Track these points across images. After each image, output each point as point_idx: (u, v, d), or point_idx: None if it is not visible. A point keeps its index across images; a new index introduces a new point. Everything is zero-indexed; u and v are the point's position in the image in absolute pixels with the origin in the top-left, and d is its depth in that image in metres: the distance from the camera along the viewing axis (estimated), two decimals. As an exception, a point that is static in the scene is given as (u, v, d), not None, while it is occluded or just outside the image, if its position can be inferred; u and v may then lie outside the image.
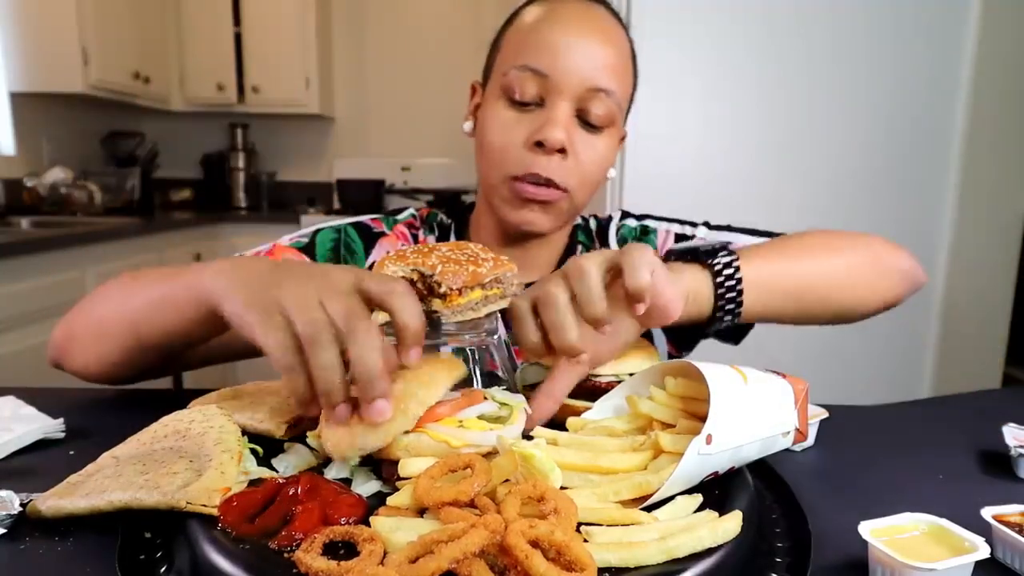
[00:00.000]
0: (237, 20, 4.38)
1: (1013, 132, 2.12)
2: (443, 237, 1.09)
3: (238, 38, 4.40)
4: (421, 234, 1.10)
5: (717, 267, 0.79)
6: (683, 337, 1.06)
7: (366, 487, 0.59)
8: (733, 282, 0.79)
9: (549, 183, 0.91)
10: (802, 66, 2.04)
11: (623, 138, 1.04)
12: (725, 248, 0.81)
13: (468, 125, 1.01)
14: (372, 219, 1.08)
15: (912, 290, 0.96)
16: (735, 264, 0.79)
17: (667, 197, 2.03)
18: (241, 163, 4.66)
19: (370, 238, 1.05)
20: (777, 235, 1.00)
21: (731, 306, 0.79)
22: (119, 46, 3.78)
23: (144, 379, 0.89)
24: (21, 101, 3.56)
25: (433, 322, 0.69)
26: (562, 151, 0.90)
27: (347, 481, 0.61)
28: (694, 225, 1.10)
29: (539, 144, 0.89)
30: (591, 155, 0.93)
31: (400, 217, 1.10)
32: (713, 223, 1.09)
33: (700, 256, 0.80)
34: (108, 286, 0.87)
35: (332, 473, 0.61)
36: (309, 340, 0.56)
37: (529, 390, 0.77)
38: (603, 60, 0.91)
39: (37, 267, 2.65)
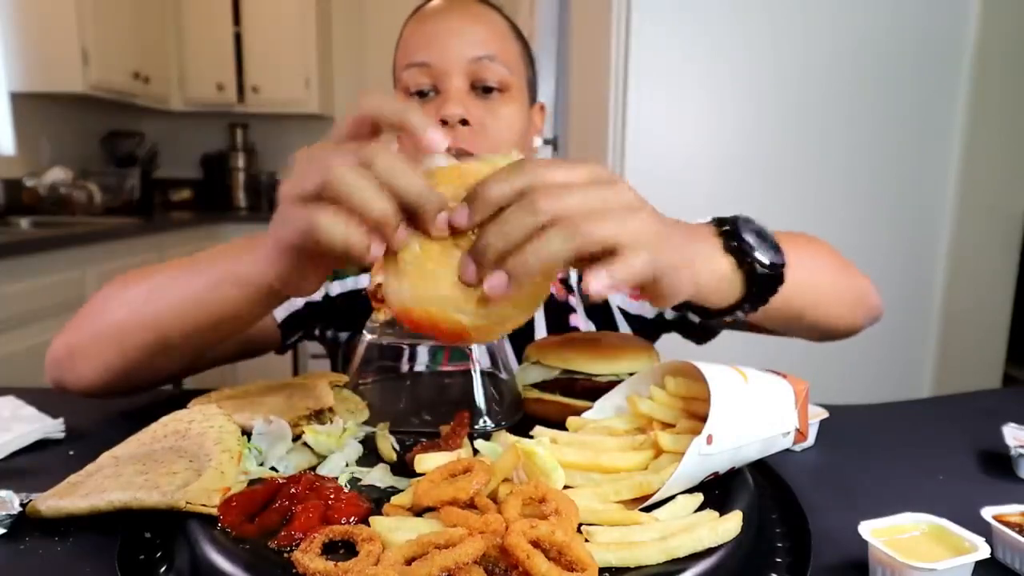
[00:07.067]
0: (237, 20, 4.38)
1: (1013, 131, 2.12)
2: None
3: (238, 38, 4.40)
4: None
5: (761, 262, 0.68)
6: (646, 328, 1.06)
7: (381, 480, 0.60)
8: (773, 282, 0.69)
9: (462, 153, 0.94)
10: (801, 65, 2.04)
11: (543, 108, 1.11)
12: (770, 235, 0.71)
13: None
14: None
15: (871, 324, 0.96)
16: (781, 267, 0.69)
17: (667, 196, 2.02)
18: (241, 163, 4.66)
19: None
20: None
21: (756, 304, 0.71)
22: (119, 46, 3.79)
23: (151, 387, 0.86)
24: (21, 101, 3.56)
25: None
26: (464, 122, 0.95)
27: (351, 479, 0.61)
28: None
29: (443, 123, 0.95)
30: (496, 121, 0.98)
31: None
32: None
33: (744, 239, 0.68)
34: (107, 294, 0.83)
35: (326, 470, 0.61)
36: (334, 179, 0.51)
37: (529, 390, 0.77)
38: (476, 35, 0.98)
39: (37, 267, 2.65)
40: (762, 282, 0.68)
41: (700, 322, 0.76)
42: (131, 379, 0.81)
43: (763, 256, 0.68)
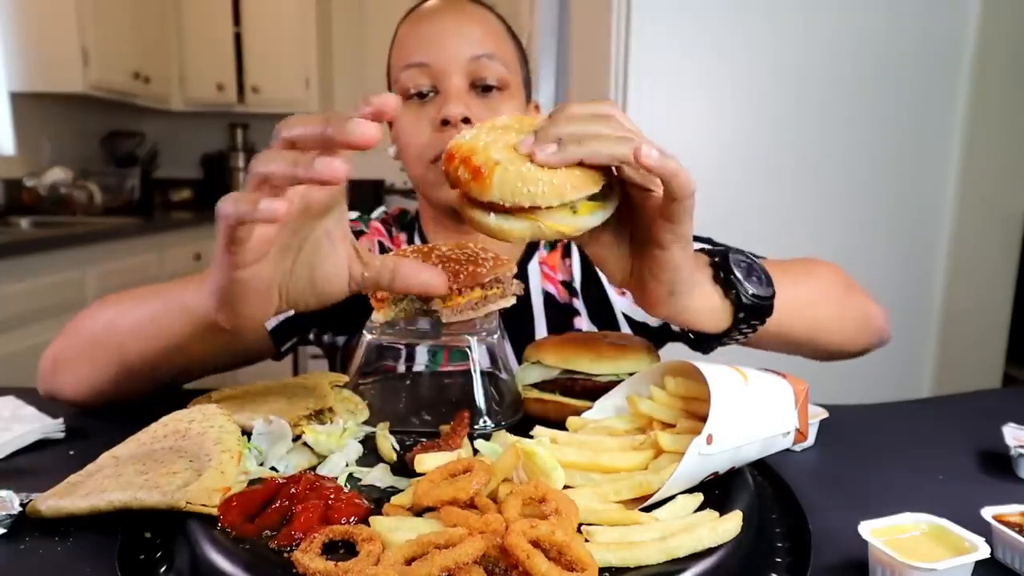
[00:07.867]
0: (237, 20, 4.38)
1: (1013, 131, 2.12)
2: (411, 231, 1.13)
3: (238, 38, 4.40)
4: (394, 231, 1.14)
5: (746, 293, 0.69)
6: (650, 336, 1.06)
7: (381, 480, 0.60)
8: (761, 312, 0.71)
9: None
10: (801, 65, 2.04)
11: (537, 107, 1.12)
12: (760, 268, 0.72)
13: (392, 150, 1.06)
14: (351, 219, 1.10)
15: (879, 346, 0.99)
16: (769, 299, 0.71)
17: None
18: (241, 163, 4.66)
19: (354, 235, 1.08)
20: (760, 256, 0.99)
21: (746, 332, 0.73)
22: (119, 46, 3.78)
23: (130, 401, 0.85)
24: (21, 101, 3.56)
25: (433, 322, 0.69)
26: (466, 121, 0.95)
27: (351, 479, 0.61)
28: (696, 240, 1.07)
29: (445, 123, 0.95)
30: None
31: (373, 215, 1.14)
32: (716, 241, 1.04)
33: (731, 271, 0.70)
34: (89, 312, 0.85)
35: (326, 470, 0.61)
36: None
37: (529, 390, 0.77)
38: (473, 34, 0.99)
39: (37, 267, 2.65)
40: (749, 312, 0.70)
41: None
42: (106, 395, 0.83)
43: (750, 288, 0.70)
